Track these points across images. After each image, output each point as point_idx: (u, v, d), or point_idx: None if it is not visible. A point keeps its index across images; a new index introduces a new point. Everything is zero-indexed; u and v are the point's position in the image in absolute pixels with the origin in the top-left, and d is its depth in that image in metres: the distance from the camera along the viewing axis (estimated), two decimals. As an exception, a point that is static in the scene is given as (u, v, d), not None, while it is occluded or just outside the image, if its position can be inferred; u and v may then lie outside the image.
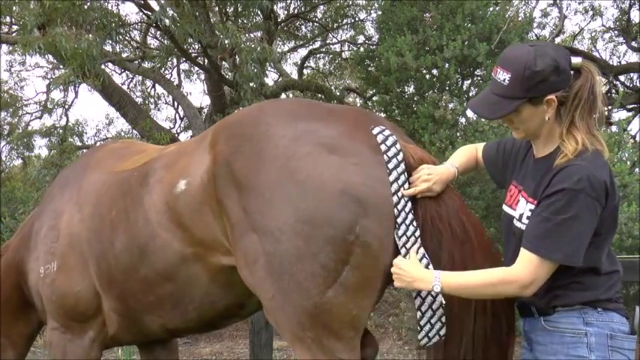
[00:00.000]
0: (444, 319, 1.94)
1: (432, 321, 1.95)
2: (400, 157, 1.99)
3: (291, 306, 1.92)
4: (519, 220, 1.92)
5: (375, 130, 2.02)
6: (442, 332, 1.95)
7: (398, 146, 2.00)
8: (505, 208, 2.04)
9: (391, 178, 1.94)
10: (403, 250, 1.93)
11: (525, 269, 1.76)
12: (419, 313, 1.95)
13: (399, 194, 1.95)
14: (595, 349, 1.83)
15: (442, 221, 1.97)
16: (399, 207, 1.94)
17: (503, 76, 1.80)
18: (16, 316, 3.11)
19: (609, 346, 1.84)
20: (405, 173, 1.98)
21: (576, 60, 1.80)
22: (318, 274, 1.86)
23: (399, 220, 1.93)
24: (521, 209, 1.93)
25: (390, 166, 1.96)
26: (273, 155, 1.98)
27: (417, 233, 1.95)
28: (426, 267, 1.93)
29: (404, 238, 1.93)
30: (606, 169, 1.79)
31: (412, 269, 1.88)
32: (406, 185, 1.97)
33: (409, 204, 1.96)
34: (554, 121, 1.84)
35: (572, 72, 1.81)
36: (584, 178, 1.71)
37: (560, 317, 1.88)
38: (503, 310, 1.99)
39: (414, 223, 1.95)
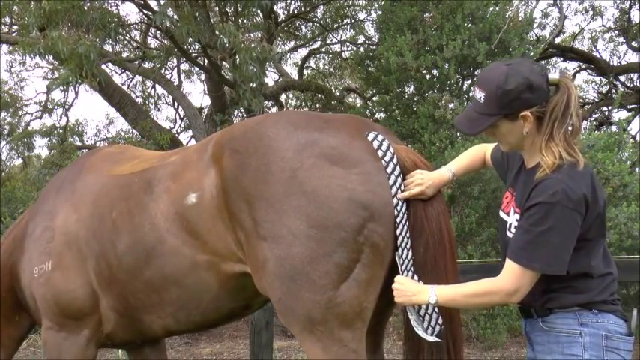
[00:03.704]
0: (437, 309, 2.11)
1: (429, 311, 2.10)
2: (395, 160, 2.15)
3: (300, 303, 2.07)
4: (509, 229, 2.03)
5: (370, 137, 2.17)
6: (440, 321, 2.10)
7: (392, 150, 2.17)
8: (501, 213, 2.13)
9: (390, 182, 2.10)
10: (400, 250, 2.11)
11: (509, 278, 1.87)
12: (418, 309, 2.09)
13: (398, 196, 2.11)
14: (589, 348, 1.88)
15: (428, 221, 2.16)
16: (398, 208, 2.11)
17: (479, 94, 1.92)
18: (9, 319, 3.12)
19: (604, 346, 1.89)
20: (401, 175, 2.15)
21: (553, 76, 1.89)
22: (333, 271, 2.04)
23: (398, 220, 2.11)
24: (511, 218, 2.03)
25: (389, 170, 2.11)
26: (279, 168, 2.12)
27: (407, 232, 2.14)
28: (408, 259, 2.11)
29: (400, 238, 2.11)
30: (585, 179, 1.85)
31: (412, 285, 2.03)
32: (402, 187, 2.13)
33: (404, 205, 2.13)
34: (536, 134, 1.92)
35: (550, 87, 1.89)
36: (559, 191, 1.79)
37: (557, 318, 1.94)
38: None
39: (406, 222, 2.13)
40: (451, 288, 1.98)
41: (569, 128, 1.88)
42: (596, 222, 1.88)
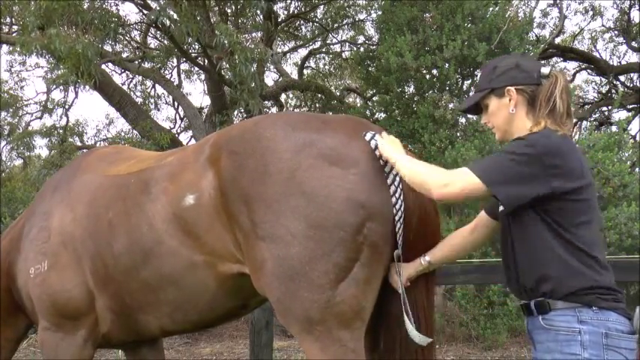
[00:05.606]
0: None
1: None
2: None
3: (299, 303, 2.06)
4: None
5: (367, 137, 2.17)
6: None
7: None
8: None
9: (388, 181, 2.10)
10: (400, 249, 2.14)
11: (448, 172, 2.00)
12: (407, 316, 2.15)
13: (396, 195, 2.12)
14: (588, 346, 1.86)
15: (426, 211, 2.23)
16: (397, 207, 2.12)
17: (480, 75, 2.19)
18: (5, 321, 3.11)
19: (604, 344, 1.86)
20: (399, 174, 2.14)
21: (545, 69, 2.03)
22: (332, 271, 2.03)
23: (396, 218, 2.12)
24: None
25: (386, 170, 2.11)
26: (278, 169, 2.11)
27: (401, 230, 2.16)
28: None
29: (398, 235, 2.14)
30: (564, 140, 1.91)
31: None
32: (400, 185, 2.12)
33: (403, 204, 2.13)
34: (526, 119, 2.03)
35: (542, 79, 2.02)
36: (531, 137, 1.92)
37: (556, 315, 1.92)
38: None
39: (402, 220, 2.15)
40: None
41: (558, 113, 1.97)
42: (572, 176, 1.86)
